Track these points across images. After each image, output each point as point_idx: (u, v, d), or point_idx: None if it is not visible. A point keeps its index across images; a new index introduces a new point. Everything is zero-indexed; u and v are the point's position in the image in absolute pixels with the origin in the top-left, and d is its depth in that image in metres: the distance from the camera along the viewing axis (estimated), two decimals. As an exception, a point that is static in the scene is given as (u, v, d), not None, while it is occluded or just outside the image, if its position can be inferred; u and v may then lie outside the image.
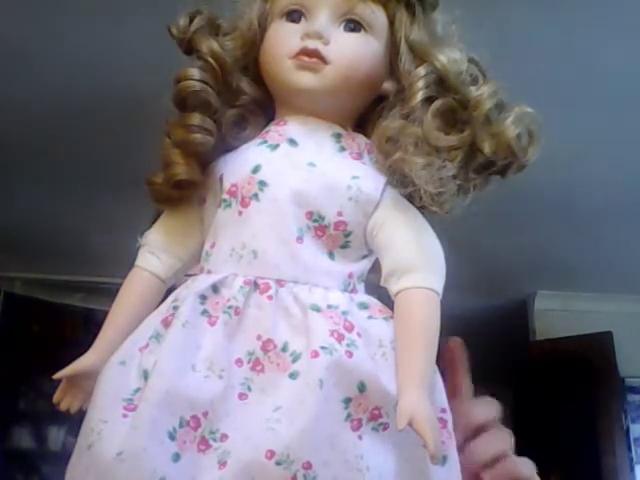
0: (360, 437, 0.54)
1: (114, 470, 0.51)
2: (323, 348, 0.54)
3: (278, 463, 0.51)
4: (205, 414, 0.54)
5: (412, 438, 0.54)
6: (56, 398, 0.61)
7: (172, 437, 0.52)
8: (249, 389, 0.55)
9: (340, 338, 0.56)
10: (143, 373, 0.55)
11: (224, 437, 0.54)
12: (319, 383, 0.53)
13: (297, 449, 0.51)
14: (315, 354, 0.54)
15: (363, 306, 0.60)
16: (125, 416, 0.53)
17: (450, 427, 0.58)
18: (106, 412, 0.54)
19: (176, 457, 0.52)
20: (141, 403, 0.53)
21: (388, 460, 0.54)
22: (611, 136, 2.09)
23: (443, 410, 0.58)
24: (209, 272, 0.60)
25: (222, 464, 0.52)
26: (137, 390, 0.55)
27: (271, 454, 0.51)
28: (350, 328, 0.57)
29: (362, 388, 0.54)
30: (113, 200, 2.48)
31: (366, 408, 0.54)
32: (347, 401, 0.54)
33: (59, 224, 2.82)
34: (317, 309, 0.57)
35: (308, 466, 0.51)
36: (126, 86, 1.83)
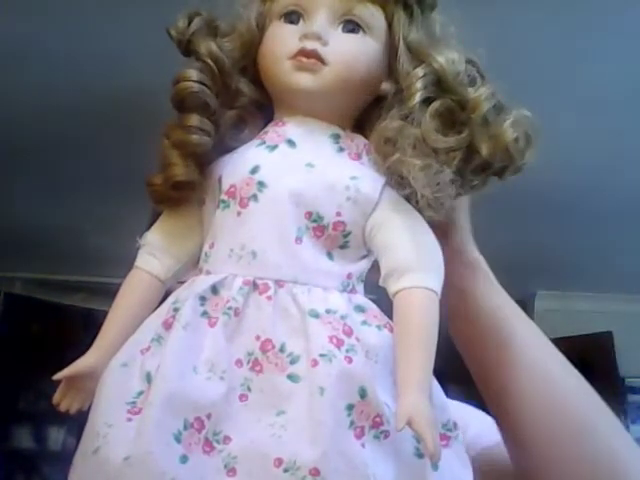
0: (363, 445, 0.53)
1: (123, 474, 0.51)
2: (322, 356, 0.54)
3: (286, 470, 0.51)
4: (208, 416, 0.54)
5: (410, 447, 0.55)
6: (56, 399, 0.61)
7: (178, 440, 0.52)
8: (249, 389, 0.55)
9: (339, 343, 0.55)
10: (146, 376, 0.55)
11: (227, 439, 0.54)
12: (320, 391, 0.53)
13: (304, 456, 0.51)
14: (314, 363, 0.54)
15: (359, 309, 0.59)
16: (130, 420, 0.53)
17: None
18: (110, 416, 0.54)
19: (184, 459, 0.52)
20: (145, 407, 0.53)
21: (389, 470, 0.54)
22: (611, 137, 2.09)
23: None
24: (208, 273, 0.61)
25: (230, 470, 0.52)
26: (140, 393, 0.55)
27: (279, 462, 0.51)
28: (349, 332, 0.57)
29: (363, 394, 0.54)
30: (113, 200, 2.48)
31: (368, 415, 0.54)
32: (350, 408, 0.54)
33: (59, 224, 2.82)
34: (316, 315, 0.57)
35: (316, 472, 0.51)
36: (126, 86, 1.83)
